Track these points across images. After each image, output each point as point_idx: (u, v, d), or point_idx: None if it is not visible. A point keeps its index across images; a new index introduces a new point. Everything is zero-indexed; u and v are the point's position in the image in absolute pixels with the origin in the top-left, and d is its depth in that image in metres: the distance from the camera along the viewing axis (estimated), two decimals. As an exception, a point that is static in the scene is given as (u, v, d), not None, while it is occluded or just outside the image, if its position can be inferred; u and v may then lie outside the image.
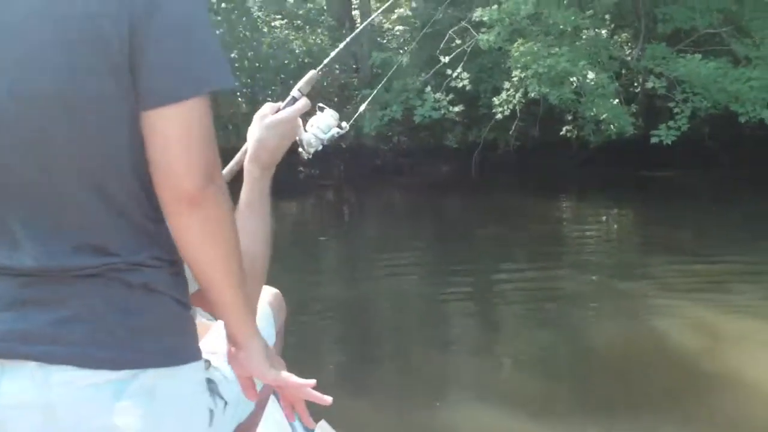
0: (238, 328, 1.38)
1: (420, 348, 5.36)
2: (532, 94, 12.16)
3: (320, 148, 1.93)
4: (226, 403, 1.95)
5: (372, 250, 8.98)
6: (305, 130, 1.89)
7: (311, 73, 1.88)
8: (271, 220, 1.77)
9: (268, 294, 2.27)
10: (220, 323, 2.52)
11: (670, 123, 11.86)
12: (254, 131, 1.75)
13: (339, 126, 1.93)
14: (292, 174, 14.95)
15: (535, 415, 4.06)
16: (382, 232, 10.30)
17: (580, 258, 8.21)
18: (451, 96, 13.14)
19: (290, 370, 1.44)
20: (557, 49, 11.83)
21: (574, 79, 12.02)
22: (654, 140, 11.83)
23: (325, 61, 2.01)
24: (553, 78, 11.78)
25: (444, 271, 7.60)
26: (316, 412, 1.60)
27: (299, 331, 5.66)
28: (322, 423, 2.34)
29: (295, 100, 1.79)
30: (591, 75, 11.99)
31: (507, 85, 12.76)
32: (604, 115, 12.06)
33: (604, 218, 11.21)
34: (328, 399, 1.42)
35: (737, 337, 5.17)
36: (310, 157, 1.94)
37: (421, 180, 13.99)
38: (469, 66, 13.02)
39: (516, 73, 12.25)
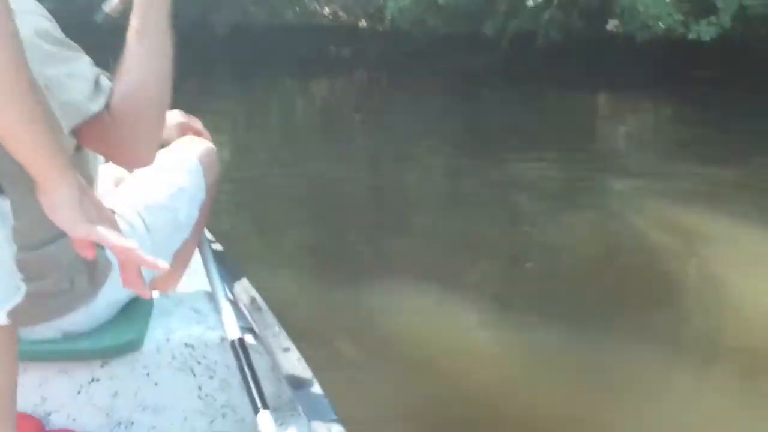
0: (38, 166, 1.12)
1: (433, 235, 5.27)
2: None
3: None
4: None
5: (397, 136, 8.74)
6: None
7: None
8: (171, 50, 1.55)
9: (200, 147, 2.15)
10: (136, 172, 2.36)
11: (711, 18, 11.16)
12: None
13: None
14: (321, 52, 14.70)
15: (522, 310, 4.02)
16: (409, 119, 9.96)
17: (605, 156, 8.03)
18: None
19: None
20: None
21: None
22: (692, 36, 11.20)
23: None
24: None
25: (467, 162, 7.45)
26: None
27: (321, 211, 5.72)
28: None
29: None
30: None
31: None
32: (649, 10, 11.40)
33: (638, 117, 10.82)
34: (163, 264, 1.22)
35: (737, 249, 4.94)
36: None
37: (456, 69, 13.49)
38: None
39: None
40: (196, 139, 2.16)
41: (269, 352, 1.86)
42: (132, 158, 1.59)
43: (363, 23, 15.44)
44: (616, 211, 5.86)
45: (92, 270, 1.73)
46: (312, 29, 15.14)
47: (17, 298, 1.19)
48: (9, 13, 1.01)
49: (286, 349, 1.85)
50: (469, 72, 13.34)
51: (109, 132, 1.48)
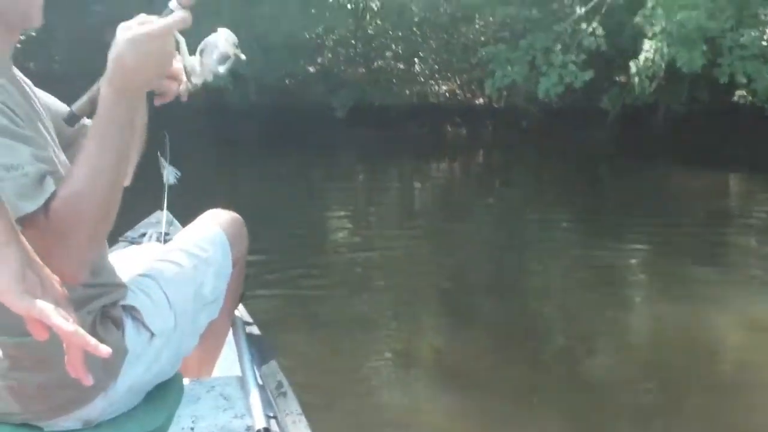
0: None
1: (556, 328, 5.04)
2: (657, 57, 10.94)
3: (210, 78, 1.60)
4: (152, 334, 1.76)
5: (517, 218, 8.56)
6: (194, 54, 1.58)
7: None
8: (131, 157, 1.52)
9: (226, 218, 2.08)
10: (152, 246, 2.30)
11: None
12: (113, 46, 1.41)
13: (232, 53, 1.60)
14: (439, 134, 14.79)
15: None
16: (528, 200, 9.73)
17: (738, 244, 7.39)
18: (582, 57, 12.18)
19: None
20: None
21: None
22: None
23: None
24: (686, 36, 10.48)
25: (595, 244, 7.15)
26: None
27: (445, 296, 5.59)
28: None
29: (172, 12, 1.43)
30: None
31: (646, 45, 11.36)
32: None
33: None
34: (104, 350, 1.11)
35: None
36: (198, 87, 1.61)
37: (573, 144, 13.23)
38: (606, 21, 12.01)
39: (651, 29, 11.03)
40: (222, 210, 2.09)
41: None
42: (60, 268, 1.34)
43: (480, 101, 15.46)
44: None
45: (105, 358, 1.67)
46: (429, 108, 15.28)
47: None
48: None
49: None
50: (586, 147, 13.07)
51: (41, 236, 1.34)
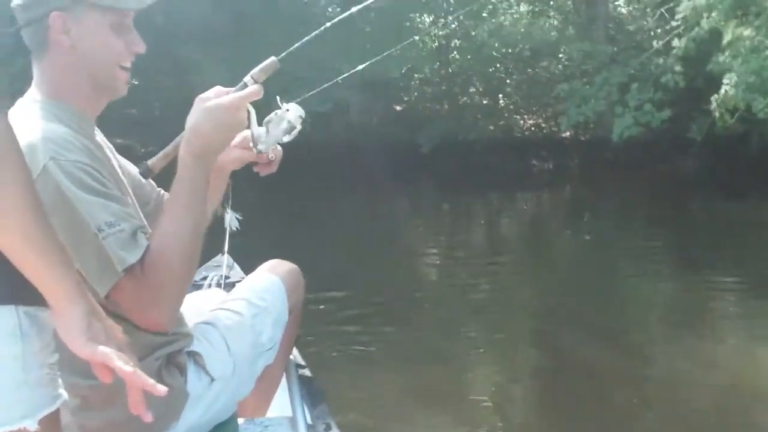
0: (47, 288, 1.20)
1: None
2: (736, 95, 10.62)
3: (274, 146, 1.78)
4: (212, 379, 1.90)
5: (605, 251, 8.44)
6: (261, 125, 1.74)
7: (270, 59, 1.70)
8: (207, 217, 1.69)
9: (284, 268, 2.22)
10: (217, 292, 2.45)
11: None
12: (191, 115, 1.62)
13: (295, 125, 1.77)
14: (525, 167, 14.75)
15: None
16: (617, 235, 9.56)
17: None
18: (658, 94, 11.99)
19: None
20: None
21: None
22: None
23: (290, 49, 1.80)
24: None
25: (685, 278, 7.04)
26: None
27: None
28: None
29: (245, 86, 1.63)
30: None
31: (726, 79, 10.99)
32: None
33: None
34: (161, 389, 1.25)
35: None
36: (261, 152, 1.78)
37: (660, 176, 12.97)
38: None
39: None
40: (280, 261, 2.23)
41: None
42: (154, 318, 1.61)
43: (566, 134, 15.39)
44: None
45: (167, 400, 1.81)
46: (514, 142, 15.30)
47: (52, 407, 1.25)
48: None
49: None
50: (674, 178, 12.79)
51: (138, 287, 1.54)
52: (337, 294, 6.46)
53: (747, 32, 10.54)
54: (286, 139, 1.77)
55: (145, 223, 1.64)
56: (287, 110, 1.75)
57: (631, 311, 6.09)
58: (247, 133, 1.77)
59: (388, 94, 15.48)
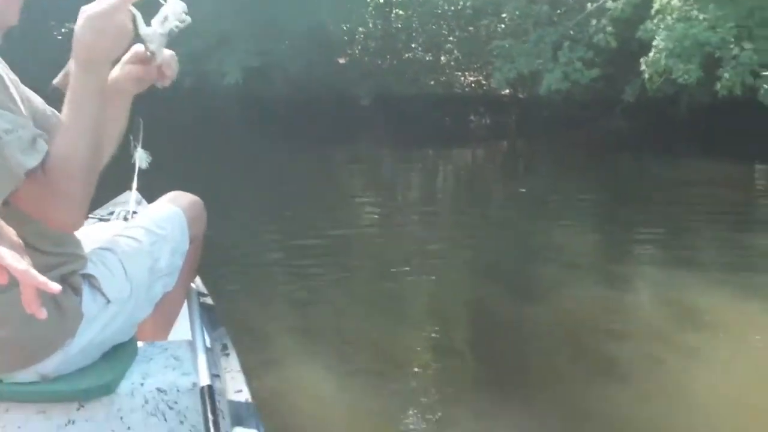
0: None
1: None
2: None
3: (164, 44, 1.81)
4: (108, 301, 1.94)
5: (537, 206, 8.63)
6: (150, 24, 1.78)
7: None
8: (107, 132, 1.73)
9: (186, 200, 2.27)
10: (120, 223, 2.49)
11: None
12: (76, 27, 1.65)
13: (179, 18, 1.80)
14: (462, 123, 14.90)
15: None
16: (552, 190, 9.72)
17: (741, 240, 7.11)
18: (589, 53, 12.31)
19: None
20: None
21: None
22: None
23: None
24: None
25: (615, 230, 7.28)
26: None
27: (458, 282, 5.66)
28: None
29: None
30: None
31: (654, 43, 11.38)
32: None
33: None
34: (53, 287, 1.27)
35: None
36: (153, 55, 1.81)
37: (595, 135, 13.24)
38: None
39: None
40: (183, 192, 2.28)
41: (228, 396, 1.91)
42: (61, 218, 1.66)
43: (506, 91, 15.54)
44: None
45: (61, 319, 1.85)
46: (454, 98, 15.38)
47: None
48: None
49: (239, 390, 1.89)
50: (609, 137, 13.07)
51: (42, 191, 1.60)
52: (259, 234, 6.59)
53: (675, 2, 10.83)
54: (167, 35, 1.79)
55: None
56: (169, 5, 1.79)
57: (556, 260, 6.26)
58: (139, 47, 1.80)
59: (331, 47, 15.39)
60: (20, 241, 1.39)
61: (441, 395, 3.78)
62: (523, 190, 9.78)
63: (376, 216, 8.22)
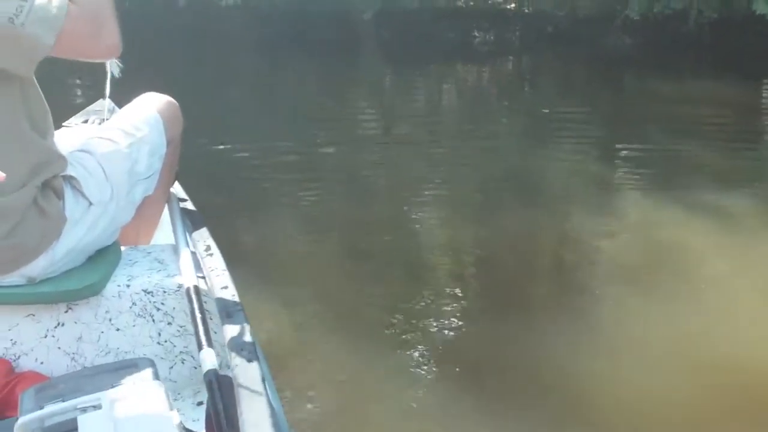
0: None
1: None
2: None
3: None
4: (90, 203, 1.97)
5: (541, 125, 8.46)
6: None
7: None
8: None
9: (161, 102, 2.30)
10: (91, 128, 2.51)
11: None
12: None
13: None
14: (466, 39, 14.65)
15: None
16: (554, 106, 9.52)
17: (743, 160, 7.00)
18: None
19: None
20: None
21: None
22: None
23: None
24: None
25: (611, 147, 7.24)
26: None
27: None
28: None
29: None
30: None
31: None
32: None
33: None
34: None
35: None
36: None
37: (599, 51, 13.01)
38: None
39: None
40: (157, 94, 2.28)
41: (214, 294, 1.95)
42: (109, 41, 1.84)
43: (511, 5, 15.22)
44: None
45: (45, 223, 1.88)
46: (457, 13, 15.08)
47: None
48: None
49: (224, 287, 1.94)
50: (613, 55, 12.85)
51: (83, 22, 1.75)
52: (249, 145, 6.66)
53: None
54: None
55: None
56: None
57: (553, 177, 6.25)
58: None
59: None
60: None
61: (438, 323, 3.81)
62: (524, 108, 9.70)
63: (373, 131, 8.17)
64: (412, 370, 3.30)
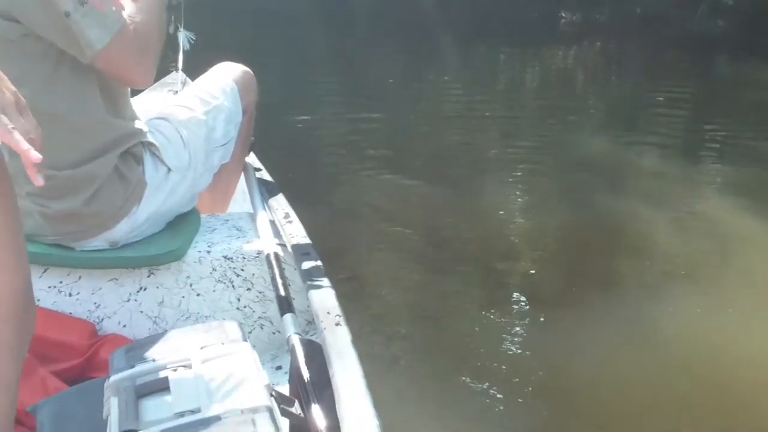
0: None
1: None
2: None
3: None
4: (169, 169, 1.99)
5: (628, 110, 8.23)
6: None
7: None
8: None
9: (237, 71, 2.33)
10: (167, 96, 2.53)
11: None
12: None
13: None
14: (552, 20, 14.35)
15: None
16: (642, 90, 9.27)
17: None
18: None
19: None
20: None
21: None
22: None
23: None
24: None
25: (703, 145, 6.85)
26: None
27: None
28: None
29: None
30: None
31: None
32: None
33: None
34: (35, 156, 1.08)
35: None
36: None
37: (689, 34, 12.54)
38: None
39: None
40: (232, 63, 2.29)
41: (296, 261, 1.94)
42: (142, 70, 1.82)
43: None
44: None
45: (126, 188, 1.90)
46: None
47: None
48: None
49: (306, 253, 1.95)
50: (705, 38, 12.35)
51: (127, 46, 1.74)
52: (325, 118, 6.72)
53: None
54: None
55: None
56: None
57: (637, 166, 6.09)
58: None
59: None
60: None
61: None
62: (613, 91, 9.39)
63: (456, 109, 8.04)
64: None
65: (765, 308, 3.64)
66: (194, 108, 2.12)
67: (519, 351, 3.28)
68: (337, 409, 1.30)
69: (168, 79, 2.92)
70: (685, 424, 2.79)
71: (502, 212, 4.98)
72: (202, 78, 2.28)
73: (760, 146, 6.60)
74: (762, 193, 5.24)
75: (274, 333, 2.07)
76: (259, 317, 2.09)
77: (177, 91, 2.69)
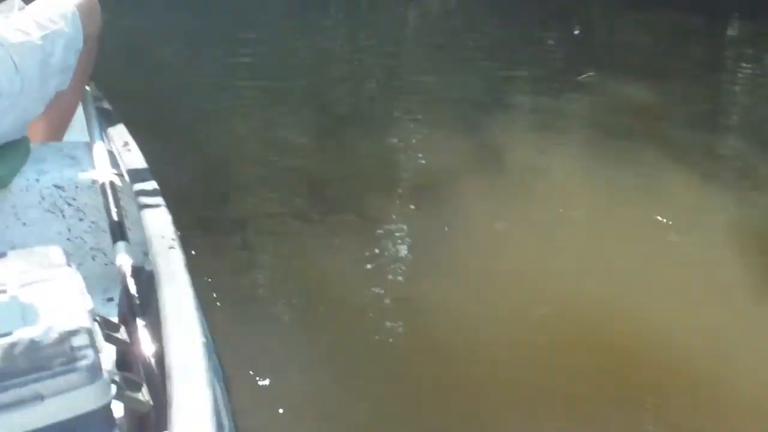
0: None
1: None
2: None
3: None
4: None
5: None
6: None
7: None
8: None
9: None
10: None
11: None
12: None
13: None
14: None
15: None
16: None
17: None
18: None
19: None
20: None
21: None
22: None
23: None
24: None
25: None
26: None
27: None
28: None
29: None
30: None
31: None
32: None
33: None
34: None
35: None
36: None
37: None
38: None
39: None
40: None
41: (132, 191, 1.87)
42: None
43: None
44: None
45: None
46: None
47: None
48: None
49: (143, 181, 1.87)
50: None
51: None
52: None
53: None
54: None
55: None
56: None
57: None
58: None
59: None
60: None
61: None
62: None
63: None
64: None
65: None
66: (30, 32, 2.01)
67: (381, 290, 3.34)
68: (162, 331, 1.28)
69: (3, 6, 2.75)
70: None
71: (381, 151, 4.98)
72: (41, 1, 2.16)
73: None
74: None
75: (107, 264, 2.02)
76: (91, 248, 2.03)
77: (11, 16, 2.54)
